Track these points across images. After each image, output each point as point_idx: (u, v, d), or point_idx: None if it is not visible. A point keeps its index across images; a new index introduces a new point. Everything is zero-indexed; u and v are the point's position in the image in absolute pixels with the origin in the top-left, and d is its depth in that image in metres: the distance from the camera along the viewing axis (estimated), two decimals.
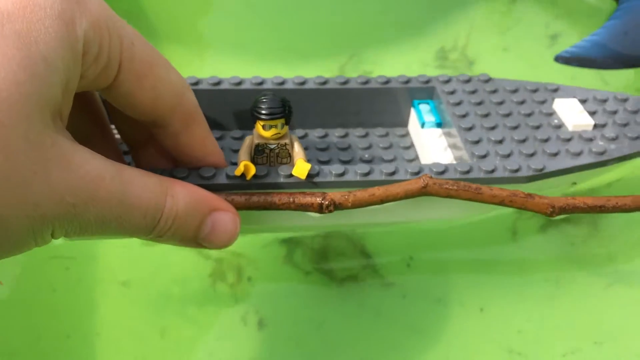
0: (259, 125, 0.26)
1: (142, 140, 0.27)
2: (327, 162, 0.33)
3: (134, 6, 0.51)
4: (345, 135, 0.35)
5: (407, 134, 0.36)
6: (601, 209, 0.28)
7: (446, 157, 0.32)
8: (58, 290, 0.32)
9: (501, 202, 0.27)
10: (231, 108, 0.34)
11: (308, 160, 0.32)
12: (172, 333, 0.31)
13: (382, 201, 0.26)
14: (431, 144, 0.33)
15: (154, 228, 0.22)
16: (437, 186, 0.26)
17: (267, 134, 0.26)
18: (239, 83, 0.33)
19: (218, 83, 0.33)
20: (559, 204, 0.27)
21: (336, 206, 0.26)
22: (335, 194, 0.26)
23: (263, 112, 0.25)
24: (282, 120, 0.26)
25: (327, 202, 0.26)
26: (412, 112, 0.35)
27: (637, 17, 0.39)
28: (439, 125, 0.34)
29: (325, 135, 0.35)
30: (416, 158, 0.34)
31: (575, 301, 0.33)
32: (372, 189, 0.26)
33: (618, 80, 0.45)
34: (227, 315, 0.32)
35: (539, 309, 0.32)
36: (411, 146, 0.35)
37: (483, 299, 0.32)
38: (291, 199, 0.26)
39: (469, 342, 0.31)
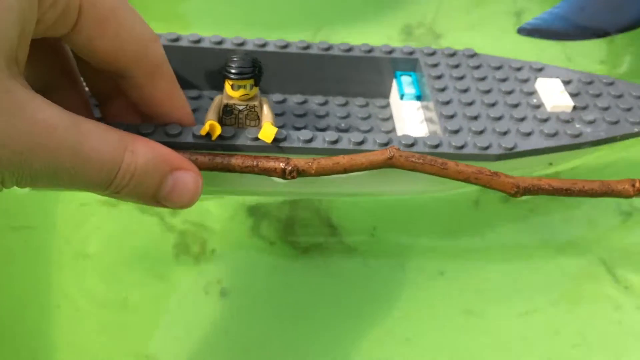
0: (227, 84, 0.26)
1: (110, 92, 0.27)
2: (302, 129, 0.33)
3: None
4: (325, 103, 0.35)
5: (387, 105, 0.36)
6: (567, 192, 0.28)
7: (421, 130, 0.32)
8: (17, 262, 0.32)
9: (466, 179, 0.27)
10: (210, 67, 0.34)
11: (278, 126, 0.32)
12: (134, 303, 0.31)
13: (345, 170, 0.26)
14: (408, 116, 0.33)
15: (110, 183, 0.22)
16: (402, 158, 0.26)
17: (236, 94, 0.26)
18: (220, 42, 0.33)
19: (198, 41, 0.33)
20: (523, 184, 0.27)
21: (299, 172, 0.26)
22: (299, 160, 0.26)
23: (232, 71, 0.25)
24: (251, 81, 0.26)
25: (290, 168, 0.25)
26: (394, 83, 0.35)
27: None
28: (419, 98, 0.34)
29: (304, 102, 0.35)
30: (393, 130, 0.34)
31: (532, 264, 0.33)
32: (337, 157, 0.26)
33: (581, 57, 0.46)
34: (189, 285, 0.32)
35: (498, 271, 0.33)
36: (390, 118, 0.35)
37: (444, 264, 0.33)
38: (254, 163, 0.26)
39: (428, 305, 0.31)
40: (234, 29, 0.48)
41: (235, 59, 0.25)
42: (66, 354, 0.29)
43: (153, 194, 0.23)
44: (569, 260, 0.34)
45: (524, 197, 0.31)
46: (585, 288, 0.32)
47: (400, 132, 0.33)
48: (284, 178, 0.26)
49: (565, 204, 0.36)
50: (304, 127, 0.33)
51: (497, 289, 0.32)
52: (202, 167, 0.25)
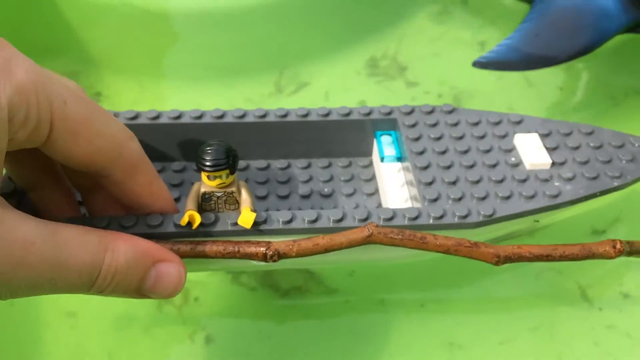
0: (204, 175, 0.26)
1: (91, 187, 0.27)
2: (286, 197, 0.33)
3: (68, 37, 0.52)
4: (308, 166, 0.36)
5: (370, 164, 0.36)
6: (548, 258, 0.28)
7: (402, 194, 0.32)
8: (3, 327, 0.32)
9: (446, 251, 0.27)
10: (192, 140, 0.34)
11: (262, 196, 0.32)
12: (120, 358, 0.31)
13: (326, 250, 0.27)
14: (390, 178, 0.33)
15: (92, 285, 0.23)
16: (381, 235, 0.27)
17: (213, 183, 0.26)
18: (200, 116, 0.34)
19: (157, 117, 0.33)
20: (504, 253, 0.27)
21: (280, 256, 0.26)
22: (280, 244, 0.26)
23: (206, 163, 0.26)
24: (227, 171, 0.26)
25: (271, 252, 0.26)
26: (375, 143, 0.35)
27: (547, 19, 0.41)
28: (399, 159, 0.34)
29: (288, 167, 0.35)
30: (376, 192, 0.34)
31: (510, 290, 0.34)
32: (317, 238, 0.27)
33: (541, 81, 0.47)
34: (175, 334, 0.32)
35: (476, 301, 0.34)
36: (372, 178, 0.35)
37: (423, 296, 0.34)
38: (236, 249, 0.26)
39: (411, 339, 0.32)
40: (198, 75, 0.49)
41: (209, 150, 0.26)
42: None
43: (137, 288, 0.24)
44: (545, 285, 0.35)
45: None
46: (561, 311, 0.33)
47: (382, 193, 0.34)
48: (266, 262, 0.26)
49: (538, 229, 0.37)
50: (288, 195, 0.33)
51: (476, 318, 0.33)
52: (184, 256, 0.26)
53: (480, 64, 0.39)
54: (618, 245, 0.28)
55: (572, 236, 0.35)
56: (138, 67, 0.50)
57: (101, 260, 0.22)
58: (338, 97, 0.47)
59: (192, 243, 0.26)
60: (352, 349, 0.32)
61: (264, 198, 0.34)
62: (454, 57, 0.50)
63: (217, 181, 0.26)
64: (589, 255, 0.28)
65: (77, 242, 0.22)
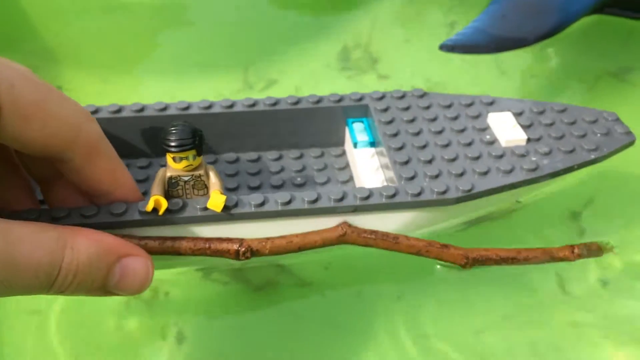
0: (169, 157, 0.25)
1: (49, 176, 0.26)
2: (258, 188, 0.32)
3: (26, 29, 0.50)
4: (279, 158, 0.35)
5: (343, 154, 0.35)
6: (513, 261, 0.29)
7: (377, 178, 0.32)
8: None
9: (418, 252, 0.27)
10: (156, 134, 0.32)
11: (232, 188, 0.31)
12: (87, 358, 0.30)
13: (300, 249, 0.26)
14: (363, 164, 0.33)
15: (51, 285, 0.21)
16: (355, 235, 0.27)
17: (179, 166, 0.25)
18: (164, 108, 0.32)
19: (118, 110, 0.32)
20: (472, 255, 0.28)
21: (253, 253, 0.26)
22: (253, 241, 0.26)
23: (172, 144, 0.24)
24: (193, 152, 0.25)
25: (243, 249, 0.25)
26: (347, 131, 0.35)
27: (514, 0, 0.41)
28: (372, 144, 0.33)
29: (258, 159, 0.34)
30: (350, 179, 0.34)
31: (484, 283, 0.33)
32: (290, 236, 0.26)
33: (514, 69, 0.47)
34: (144, 331, 0.31)
35: (453, 290, 0.33)
36: (346, 166, 0.34)
37: (400, 288, 0.33)
38: (207, 245, 0.25)
39: (388, 330, 0.31)
40: (164, 70, 0.48)
41: (173, 130, 0.24)
42: None
43: (101, 285, 0.23)
44: (524, 274, 0.34)
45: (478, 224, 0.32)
46: (537, 300, 0.33)
47: (357, 180, 0.33)
48: (238, 259, 0.26)
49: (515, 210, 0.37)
50: (259, 186, 0.32)
51: (453, 307, 0.32)
52: (151, 252, 0.25)
53: (447, 47, 0.38)
54: (576, 250, 0.29)
55: (548, 218, 0.36)
56: (101, 61, 0.47)
57: (60, 259, 0.21)
58: (309, 91, 0.46)
59: (160, 239, 0.25)
60: (329, 342, 0.31)
61: (234, 190, 0.32)
62: (425, 44, 0.50)
63: (184, 163, 0.25)
64: (550, 259, 0.29)
65: (33, 240, 0.21)
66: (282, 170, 0.34)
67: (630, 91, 0.46)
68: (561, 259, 0.29)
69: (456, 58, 0.46)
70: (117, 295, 0.24)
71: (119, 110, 0.32)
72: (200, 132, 0.25)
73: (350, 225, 0.27)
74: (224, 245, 0.25)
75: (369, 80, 0.46)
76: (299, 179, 0.33)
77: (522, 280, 0.33)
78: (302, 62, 0.48)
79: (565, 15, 0.41)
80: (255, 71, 0.47)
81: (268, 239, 0.26)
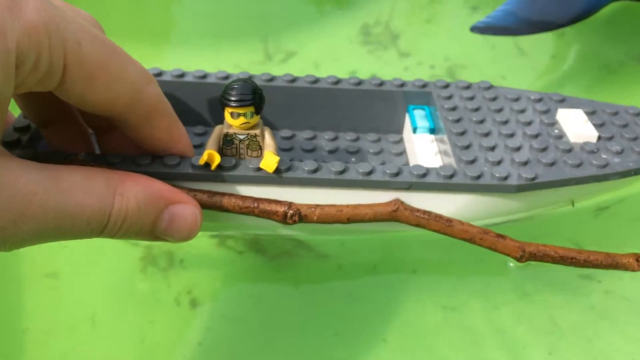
0: (227, 112, 0.25)
1: (105, 126, 0.26)
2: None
3: None
4: (335, 139, 0.34)
5: (400, 141, 0.34)
6: (572, 261, 0.27)
7: (435, 163, 0.30)
8: None
9: (471, 239, 0.26)
10: (195, 102, 0.33)
11: (279, 154, 0.31)
12: (103, 321, 0.30)
13: (348, 220, 0.25)
14: (422, 149, 0.31)
15: (102, 230, 0.22)
16: (407, 212, 0.26)
17: (235, 122, 0.25)
18: (226, 77, 0.32)
19: (181, 75, 0.32)
20: (529, 248, 0.26)
21: (301, 217, 0.25)
22: (302, 205, 0.25)
23: (231, 98, 0.24)
24: (252, 109, 0.24)
25: (291, 212, 0.25)
26: (407, 117, 0.34)
27: None
28: (432, 131, 0.32)
29: (313, 137, 0.34)
30: (406, 164, 0.33)
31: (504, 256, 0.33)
32: (341, 205, 0.25)
33: (533, 49, 0.47)
34: (159, 297, 0.31)
35: (468, 265, 0.33)
36: (403, 152, 0.33)
37: (415, 263, 0.33)
38: (255, 204, 0.25)
39: (405, 301, 0.31)
40: (182, 41, 0.48)
41: (234, 85, 0.24)
42: None
43: (150, 230, 0.23)
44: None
45: None
46: (552, 276, 0.32)
47: (412, 163, 0.32)
48: (285, 223, 0.25)
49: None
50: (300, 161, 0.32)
51: (469, 283, 0.32)
52: (201, 204, 0.24)
53: (478, 29, 0.38)
54: None
55: (609, 223, 0.34)
56: (117, 31, 0.48)
57: (110, 205, 0.21)
58: (328, 66, 0.46)
59: (209, 192, 0.25)
60: (345, 311, 0.31)
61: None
62: (446, 24, 0.49)
63: (241, 119, 0.24)
64: (613, 264, 0.27)
65: (83, 188, 0.21)
66: (336, 150, 0.33)
67: None
68: (624, 266, 0.28)
69: (476, 38, 0.46)
70: (166, 240, 0.24)
71: (182, 75, 0.32)
72: (261, 91, 0.25)
73: (403, 202, 0.26)
74: (272, 207, 0.25)
75: (390, 57, 0.46)
76: (353, 159, 0.32)
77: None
78: (323, 35, 0.48)
79: (596, 0, 0.40)
80: (274, 42, 0.47)
81: (318, 205, 0.25)
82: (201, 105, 0.33)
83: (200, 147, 0.32)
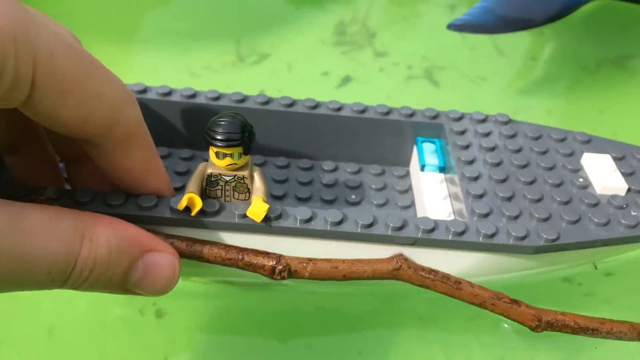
0: (212, 151, 0.22)
1: (76, 155, 0.23)
2: (307, 200, 0.29)
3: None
4: (334, 170, 0.31)
5: (406, 175, 0.31)
6: (593, 333, 0.24)
7: (444, 208, 0.28)
8: None
9: (482, 304, 0.23)
10: (183, 123, 0.30)
11: (278, 196, 0.28)
12: (61, 332, 0.28)
13: (345, 277, 0.23)
14: (430, 190, 0.29)
15: (65, 281, 0.19)
16: (411, 271, 0.23)
17: (221, 163, 0.22)
18: (217, 98, 0.29)
19: (168, 93, 0.29)
20: (546, 317, 0.24)
21: (290, 273, 0.22)
22: (293, 259, 0.22)
23: (217, 137, 0.21)
24: (240, 149, 0.22)
25: (280, 267, 0.22)
26: (415, 150, 0.31)
27: None
28: (442, 169, 0.29)
29: (311, 168, 0.31)
30: (412, 205, 0.30)
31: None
32: (336, 260, 0.23)
33: (512, 49, 0.46)
34: (123, 309, 0.29)
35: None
36: (409, 189, 0.31)
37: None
38: (240, 256, 0.22)
39: (381, 315, 0.29)
40: (151, 39, 0.46)
41: (221, 122, 0.21)
42: None
43: (121, 282, 0.20)
44: None
45: None
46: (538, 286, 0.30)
47: (419, 207, 0.29)
48: (272, 278, 0.22)
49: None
50: (309, 198, 0.29)
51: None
52: (180, 254, 0.22)
53: (455, 27, 0.38)
54: None
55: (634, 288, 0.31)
56: (87, 31, 0.46)
57: (76, 251, 0.18)
58: (301, 68, 0.44)
59: (189, 240, 0.22)
60: (319, 325, 0.28)
61: (280, 198, 0.29)
62: (424, 23, 0.48)
63: (227, 160, 0.22)
64: (637, 336, 0.24)
65: (47, 229, 0.18)
66: (335, 183, 0.30)
67: (630, 79, 0.45)
68: None
69: (454, 38, 0.45)
70: (137, 294, 0.21)
71: (169, 94, 0.29)
72: (251, 128, 0.22)
73: (406, 259, 0.23)
74: (259, 260, 0.22)
75: (365, 57, 0.45)
76: (353, 196, 0.30)
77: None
78: (297, 35, 0.47)
79: None
80: (247, 43, 0.46)
81: (310, 260, 0.22)
82: (189, 125, 0.30)
83: (185, 175, 0.30)
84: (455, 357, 0.27)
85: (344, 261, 0.23)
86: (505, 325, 0.28)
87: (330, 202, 0.29)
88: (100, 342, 0.27)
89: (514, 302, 0.23)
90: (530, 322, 0.24)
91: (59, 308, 0.29)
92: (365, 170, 0.31)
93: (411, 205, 0.30)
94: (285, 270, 0.22)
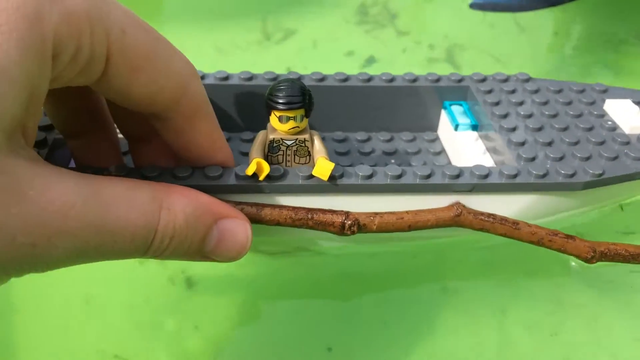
0: (274, 116, 0.22)
1: (142, 135, 0.24)
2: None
3: None
4: (368, 140, 0.32)
5: (436, 139, 0.32)
6: None
7: (485, 162, 0.29)
8: None
9: (539, 241, 0.24)
10: (241, 106, 0.30)
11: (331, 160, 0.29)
12: (97, 300, 0.29)
13: (410, 227, 0.24)
14: (466, 148, 0.30)
15: (147, 249, 0.19)
16: (471, 216, 0.24)
17: (284, 127, 0.22)
18: (250, 78, 0.30)
19: (226, 78, 0.30)
20: (600, 248, 0.25)
21: (360, 228, 0.23)
22: (360, 214, 0.23)
23: (280, 100, 0.22)
24: (302, 112, 0.22)
25: (350, 222, 0.23)
26: (443, 114, 0.32)
27: None
28: (475, 127, 0.30)
29: (345, 139, 0.32)
30: (448, 164, 0.31)
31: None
32: (401, 212, 0.23)
33: (534, 26, 0.46)
34: (154, 277, 0.30)
35: (473, 248, 0.31)
36: (442, 152, 0.32)
37: (416, 248, 0.31)
38: (309, 215, 0.23)
39: (405, 281, 0.30)
40: (177, 16, 0.46)
41: (281, 87, 0.22)
42: (25, 354, 0.27)
43: (198, 249, 0.21)
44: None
45: None
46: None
47: (456, 163, 0.30)
48: (342, 234, 0.23)
49: None
50: (350, 166, 0.29)
51: (471, 265, 0.30)
52: (249, 219, 0.22)
53: (477, 5, 0.38)
54: None
55: None
56: None
57: (156, 221, 0.19)
58: (326, 46, 0.45)
59: (258, 205, 0.22)
60: (343, 291, 0.29)
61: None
62: (444, 2, 0.49)
63: (290, 124, 0.22)
64: None
65: (126, 201, 0.18)
66: (372, 152, 0.31)
67: None
68: None
69: (475, 16, 0.45)
70: (213, 260, 0.21)
71: (227, 78, 0.30)
72: (309, 92, 0.22)
73: (465, 206, 0.24)
74: (328, 217, 0.23)
75: (388, 36, 0.45)
76: (392, 161, 0.30)
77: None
78: (321, 14, 0.47)
79: None
80: (273, 21, 0.46)
81: (377, 213, 0.23)
82: (247, 109, 0.31)
83: (244, 156, 0.30)
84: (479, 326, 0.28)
85: (408, 212, 0.24)
86: (573, 264, 0.30)
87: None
88: (134, 311, 0.28)
89: (569, 237, 0.25)
90: (585, 254, 0.25)
91: (94, 278, 0.29)
92: (396, 138, 0.32)
93: (448, 165, 0.31)
94: (354, 225, 0.23)
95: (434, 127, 0.33)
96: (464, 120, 0.31)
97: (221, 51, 0.40)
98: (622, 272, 0.30)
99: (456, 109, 0.32)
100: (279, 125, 0.22)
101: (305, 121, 0.23)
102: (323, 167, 0.22)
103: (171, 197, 0.20)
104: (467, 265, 0.30)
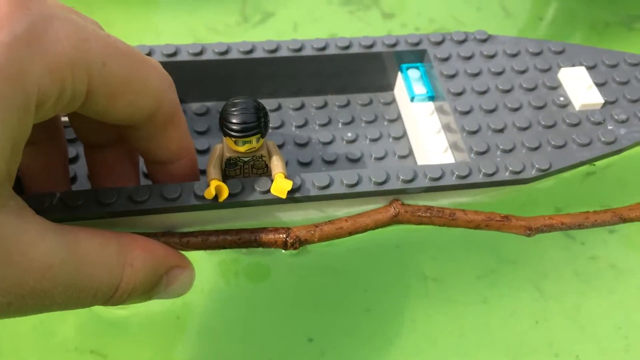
0: (229, 139, 0.22)
1: (104, 140, 0.24)
2: (305, 144, 0.30)
3: None
4: (324, 106, 0.32)
5: (393, 100, 0.33)
6: (580, 227, 0.27)
7: (440, 142, 0.29)
8: None
9: (477, 227, 0.26)
10: (191, 80, 0.30)
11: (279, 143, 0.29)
12: None
13: (350, 233, 0.25)
14: (423, 122, 0.30)
15: (106, 302, 0.20)
16: (408, 214, 0.25)
17: (240, 149, 0.22)
18: (200, 52, 0.29)
19: (174, 54, 0.29)
20: (535, 225, 0.26)
21: (301, 242, 0.25)
22: (301, 230, 0.25)
23: (234, 127, 0.21)
24: (258, 135, 0.22)
25: (291, 240, 0.24)
26: (400, 76, 0.32)
27: None
28: (431, 98, 0.31)
29: (302, 107, 0.32)
30: (404, 135, 0.31)
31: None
32: (340, 221, 0.25)
33: (520, 10, 0.45)
34: None
35: (451, 240, 0.31)
36: (398, 118, 0.32)
37: (398, 238, 0.31)
38: (253, 237, 0.24)
39: (386, 272, 0.30)
40: (167, 2, 0.45)
41: (235, 111, 0.21)
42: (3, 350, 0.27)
43: (148, 296, 0.22)
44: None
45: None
46: (543, 245, 0.31)
47: (414, 140, 0.31)
48: (285, 249, 0.25)
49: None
50: (306, 143, 0.30)
51: (452, 255, 0.31)
52: (195, 248, 0.24)
53: None
54: None
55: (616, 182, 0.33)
56: None
57: (119, 278, 0.20)
58: (307, 28, 0.44)
59: (202, 234, 0.24)
60: (324, 283, 0.30)
61: (280, 147, 0.31)
62: None
63: (247, 146, 0.22)
64: (621, 220, 0.27)
65: (97, 257, 0.19)
66: (329, 122, 0.31)
67: (637, 40, 0.44)
68: (632, 220, 0.27)
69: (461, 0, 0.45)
70: (155, 299, 0.23)
71: (174, 54, 0.29)
72: (265, 110, 0.22)
73: (402, 204, 0.25)
74: (271, 237, 0.24)
75: (373, 18, 0.44)
76: (349, 134, 0.31)
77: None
78: None
79: None
80: (252, 2, 0.45)
81: (316, 226, 0.25)
82: (198, 80, 0.31)
83: (204, 134, 0.31)
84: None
85: (346, 219, 0.25)
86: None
87: (328, 144, 0.30)
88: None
89: (505, 217, 0.26)
90: (522, 232, 0.26)
91: None
92: (353, 102, 0.32)
93: (404, 135, 0.31)
94: (296, 242, 0.24)
95: (390, 87, 0.33)
96: (420, 89, 0.31)
97: (198, 35, 0.38)
98: (604, 263, 0.30)
99: (413, 73, 0.31)
100: (235, 147, 0.23)
101: (262, 140, 0.23)
102: (281, 186, 0.23)
103: (134, 252, 0.21)
104: (449, 254, 0.31)
